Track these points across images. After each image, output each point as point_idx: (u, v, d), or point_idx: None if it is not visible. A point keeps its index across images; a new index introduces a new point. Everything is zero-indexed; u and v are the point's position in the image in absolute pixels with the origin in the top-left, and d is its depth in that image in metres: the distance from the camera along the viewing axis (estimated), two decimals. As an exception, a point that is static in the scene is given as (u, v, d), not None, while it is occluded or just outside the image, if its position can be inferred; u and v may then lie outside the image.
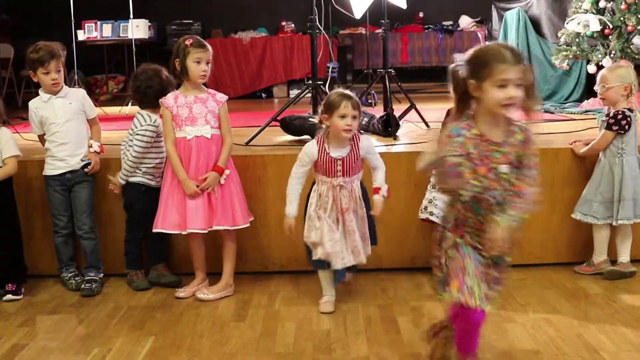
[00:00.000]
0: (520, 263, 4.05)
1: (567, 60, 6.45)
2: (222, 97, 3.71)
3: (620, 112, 3.75)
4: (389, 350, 3.02)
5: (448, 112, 3.84)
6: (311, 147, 3.41)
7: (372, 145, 3.54)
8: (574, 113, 6.10)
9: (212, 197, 3.62)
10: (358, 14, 6.53)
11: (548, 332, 3.15)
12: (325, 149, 3.38)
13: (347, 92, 3.38)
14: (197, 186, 3.58)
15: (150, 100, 3.85)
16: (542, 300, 3.57)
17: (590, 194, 3.85)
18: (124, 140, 3.92)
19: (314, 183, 3.49)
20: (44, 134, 3.90)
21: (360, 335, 3.20)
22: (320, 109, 3.42)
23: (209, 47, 3.65)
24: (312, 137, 4.52)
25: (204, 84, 3.72)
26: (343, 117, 3.29)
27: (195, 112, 3.62)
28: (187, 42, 3.61)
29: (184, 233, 3.64)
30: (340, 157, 3.37)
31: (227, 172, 3.65)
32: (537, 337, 3.11)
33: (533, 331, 3.17)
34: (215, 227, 3.63)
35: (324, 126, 3.40)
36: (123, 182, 3.83)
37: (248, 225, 3.74)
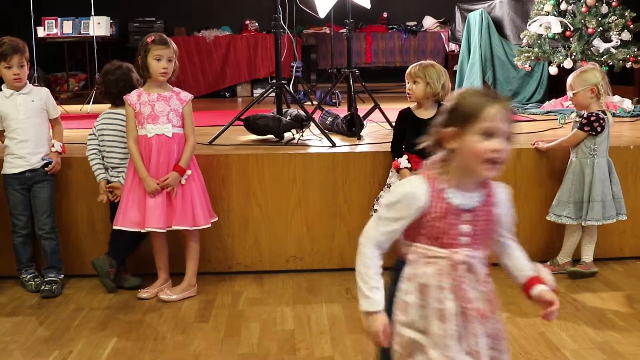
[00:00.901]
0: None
1: (529, 62, 6.52)
2: (187, 95, 3.67)
3: (593, 115, 3.78)
4: (353, 350, 3.02)
5: (400, 113, 3.85)
6: (416, 186, 1.88)
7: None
8: (536, 114, 6.17)
9: (172, 197, 3.59)
10: (322, 13, 6.53)
11: (511, 331, 3.17)
12: (442, 191, 1.89)
13: (491, 91, 2.05)
14: (158, 184, 3.55)
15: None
16: (504, 299, 3.59)
17: (564, 196, 3.88)
18: (96, 137, 3.83)
19: (399, 265, 2.03)
20: (3, 130, 3.83)
21: (325, 335, 3.19)
22: (440, 117, 1.91)
23: (172, 44, 3.60)
24: (277, 137, 4.56)
25: (170, 81, 3.68)
26: (489, 134, 1.82)
27: (158, 110, 3.58)
28: (149, 39, 3.58)
29: (142, 231, 3.60)
30: (469, 209, 1.92)
31: (188, 172, 3.62)
32: (500, 336, 3.13)
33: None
34: (174, 227, 3.60)
35: (439, 149, 1.92)
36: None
37: (209, 225, 3.71)
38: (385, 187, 3.85)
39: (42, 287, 3.78)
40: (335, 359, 2.94)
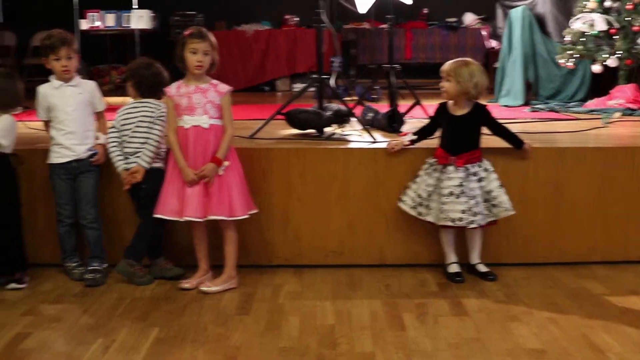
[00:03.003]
0: (525, 262, 4.07)
1: (572, 60, 6.44)
2: (224, 87, 3.70)
3: None
4: (394, 347, 3.01)
5: (439, 105, 3.86)
6: None
7: None
8: (579, 112, 6.08)
9: (209, 187, 3.62)
10: (362, 9, 6.51)
11: (553, 332, 3.14)
12: None
13: None
14: (195, 174, 3.58)
15: (155, 90, 3.88)
16: (546, 299, 3.57)
17: None
18: (117, 130, 3.87)
19: None
20: (49, 121, 3.88)
21: (365, 330, 3.19)
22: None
23: (209, 38, 3.63)
24: (318, 132, 4.57)
25: (210, 74, 3.71)
26: None
27: (194, 101, 3.62)
28: (186, 33, 3.63)
29: (181, 220, 3.64)
30: None
31: (225, 163, 3.64)
32: (541, 336, 3.10)
33: (537, 330, 3.16)
34: (210, 217, 3.63)
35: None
36: (148, 166, 3.78)
37: (247, 216, 3.72)
38: (413, 178, 3.87)
39: (86, 275, 3.83)
40: (376, 355, 2.94)
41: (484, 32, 9.24)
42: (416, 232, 4.03)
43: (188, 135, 3.63)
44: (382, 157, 4.02)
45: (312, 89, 5.02)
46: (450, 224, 3.71)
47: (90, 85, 3.98)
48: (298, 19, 9.69)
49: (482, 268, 3.88)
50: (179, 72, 3.74)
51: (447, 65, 3.77)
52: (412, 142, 3.96)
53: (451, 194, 3.69)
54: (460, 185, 3.69)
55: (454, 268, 3.87)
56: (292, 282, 3.85)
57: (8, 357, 2.94)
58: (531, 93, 7.04)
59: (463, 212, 3.67)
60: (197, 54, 3.59)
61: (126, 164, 3.82)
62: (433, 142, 3.94)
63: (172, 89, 3.68)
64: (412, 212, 3.85)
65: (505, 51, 7.33)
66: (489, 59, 8.99)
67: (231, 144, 3.70)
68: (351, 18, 9.10)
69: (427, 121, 4.05)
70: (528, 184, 4.03)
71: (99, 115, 3.98)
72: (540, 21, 7.26)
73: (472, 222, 3.69)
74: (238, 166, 3.74)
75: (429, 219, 3.80)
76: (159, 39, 8.91)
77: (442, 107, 3.87)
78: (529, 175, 4.03)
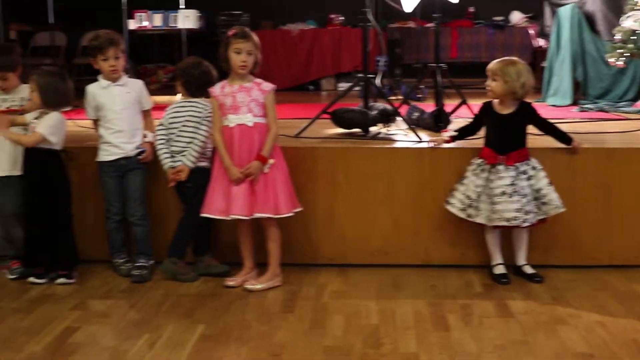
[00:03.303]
0: (572, 264, 4.01)
1: (622, 58, 6.31)
2: (268, 86, 3.72)
3: None
4: (439, 348, 2.99)
5: (484, 104, 3.83)
6: None
7: None
8: (628, 112, 5.97)
9: (255, 185, 3.64)
10: (408, 7, 6.48)
11: (601, 336, 3.09)
12: None
13: None
14: (241, 173, 3.61)
15: (204, 89, 3.91)
16: (594, 302, 3.51)
17: None
18: (165, 128, 3.91)
19: None
20: (98, 120, 3.95)
21: (409, 331, 3.18)
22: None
23: (253, 38, 3.65)
24: (364, 131, 4.56)
25: (253, 73, 3.73)
26: None
27: (238, 100, 3.65)
28: (230, 33, 3.66)
29: (227, 219, 3.67)
30: None
31: (270, 161, 3.67)
32: (590, 340, 3.05)
33: (586, 334, 3.11)
34: (256, 215, 3.65)
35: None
36: (192, 166, 3.82)
37: (291, 214, 3.73)
38: (461, 179, 3.84)
39: (133, 272, 3.89)
40: (420, 356, 2.92)
41: (531, 31, 9.11)
42: (462, 232, 3.99)
43: (233, 134, 3.66)
44: (428, 156, 4.00)
45: (357, 88, 5.01)
46: (505, 223, 3.68)
47: (138, 84, 4.03)
48: (343, 18, 9.68)
49: (529, 270, 3.84)
50: (223, 72, 3.78)
51: (494, 64, 3.74)
52: (453, 138, 3.94)
53: (503, 193, 3.66)
54: (512, 184, 3.66)
55: (500, 269, 3.84)
56: (337, 281, 3.86)
57: (57, 351, 3.00)
58: (580, 92, 6.92)
59: (517, 210, 3.64)
60: (241, 54, 3.62)
61: (172, 162, 3.86)
62: (477, 142, 3.90)
63: (216, 89, 3.72)
64: (461, 215, 3.82)
65: (553, 50, 7.22)
66: (537, 58, 8.86)
67: (276, 141, 3.72)
68: (397, 17, 9.06)
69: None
70: (576, 185, 3.97)
71: (146, 114, 4.03)
72: (589, 19, 7.14)
73: (525, 220, 3.65)
74: (283, 164, 3.76)
75: (479, 220, 3.77)
76: (205, 39, 8.98)
77: (487, 106, 3.84)
78: (577, 176, 3.97)
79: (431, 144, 4.01)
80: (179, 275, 3.83)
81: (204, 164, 3.88)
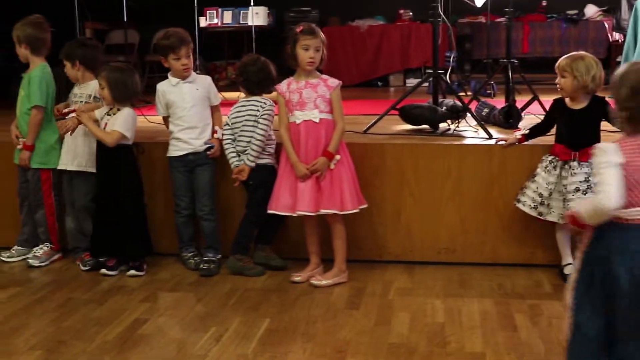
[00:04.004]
0: None
1: (702, 53, 6.10)
2: (334, 82, 3.71)
3: None
4: (505, 348, 2.95)
5: (555, 101, 3.76)
6: None
7: None
8: None
9: (321, 181, 3.65)
10: (479, 2, 6.40)
11: None
12: None
13: None
14: (307, 169, 3.62)
15: (263, 85, 3.96)
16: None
17: None
18: (230, 127, 3.96)
19: None
20: (168, 116, 4.02)
21: (476, 330, 3.14)
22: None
23: (320, 34, 3.66)
24: (433, 127, 4.52)
25: (320, 70, 3.74)
26: None
27: (305, 96, 3.66)
28: (298, 29, 3.66)
29: (294, 215, 3.69)
30: None
31: (337, 157, 3.67)
32: None
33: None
34: (322, 211, 3.65)
35: None
36: (253, 165, 3.86)
37: (357, 211, 3.72)
38: (531, 177, 3.77)
39: (201, 265, 3.95)
40: (486, 356, 2.89)
41: (606, 25, 8.88)
42: (531, 231, 3.92)
43: (300, 130, 3.68)
44: (498, 153, 3.94)
45: (426, 84, 4.98)
46: None
47: (206, 80, 4.09)
48: (412, 13, 9.61)
49: (600, 270, 3.73)
50: (285, 68, 3.79)
51: (562, 60, 3.66)
52: (525, 137, 3.87)
53: (577, 190, 3.58)
54: (586, 180, 3.58)
55: (570, 269, 3.73)
56: (403, 278, 3.84)
57: (127, 341, 3.07)
58: (656, 88, 6.70)
59: None
60: (309, 50, 3.62)
61: (238, 161, 3.90)
62: (547, 138, 3.83)
63: (283, 86, 3.74)
64: (533, 213, 3.74)
65: (629, 44, 7.00)
66: (612, 53, 8.63)
67: (342, 138, 3.71)
68: (467, 12, 8.95)
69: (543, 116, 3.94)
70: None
71: (215, 109, 4.08)
72: (668, 12, 6.91)
73: None
74: (349, 160, 3.76)
75: (551, 218, 3.70)
76: (274, 35, 9.04)
77: (558, 103, 3.77)
78: (653, 174, 3.85)
79: (501, 143, 3.94)
80: (245, 271, 3.87)
81: (265, 160, 3.91)
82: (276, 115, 3.87)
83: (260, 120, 3.87)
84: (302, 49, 3.63)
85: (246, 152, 3.88)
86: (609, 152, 2.21)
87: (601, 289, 2.26)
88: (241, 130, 3.92)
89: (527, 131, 3.89)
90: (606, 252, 2.24)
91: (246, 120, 3.91)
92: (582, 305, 2.32)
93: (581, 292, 2.33)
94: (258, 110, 3.90)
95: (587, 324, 2.29)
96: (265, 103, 3.92)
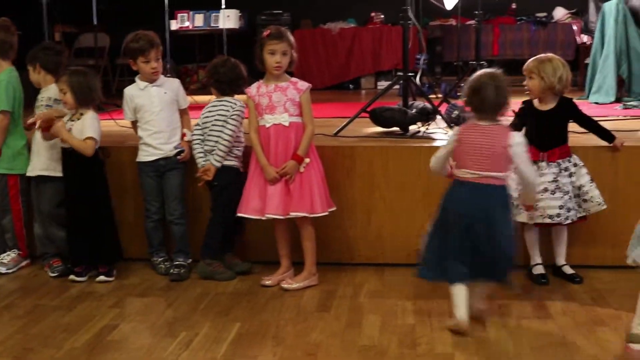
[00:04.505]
0: (613, 264, 3.93)
1: (668, 55, 6.19)
2: (304, 85, 3.71)
3: None
4: (475, 348, 2.97)
5: (523, 103, 3.82)
6: None
7: None
8: (674, 110, 5.84)
9: (290, 184, 3.65)
10: (449, 5, 6.44)
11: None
12: None
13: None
14: (277, 172, 3.62)
15: (234, 86, 3.95)
16: (635, 304, 3.42)
17: None
18: (200, 127, 3.95)
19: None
20: (137, 121, 3.99)
21: (446, 331, 3.15)
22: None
23: (287, 37, 3.65)
24: (403, 130, 4.53)
25: (290, 73, 3.74)
26: None
27: (274, 100, 3.66)
28: (265, 34, 3.66)
29: (263, 218, 3.68)
30: None
31: (306, 160, 3.67)
32: (631, 342, 2.99)
33: (626, 336, 3.05)
34: (292, 214, 3.66)
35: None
36: (219, 165, 3.85)
37: (327, 214, 3.73)
38: None
39: (171, 270, 3.93)
40: (455, 356, 2.90)
41: (574, 27, 8.98)
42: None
43: (269, 133, 3.67)
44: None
45: (397, 86, 5.00)
46: (547, 220, 3.63)
47: (174, 83, 4.07)
48: (383, 16, 9.65)
49: (568, 270, 3.78)
50: (257, 71, 3.79)
51: (529, 62, 3.71)
52: None
53: (546, 190, 3.62)
54: (555, 180, 3.62)
55: (538, 269, 3.79)
56: (373, 281, 3.85)
57: (95, 348, 3.04)
58: (623, 90, 6.79)
59: (560, 207, 3.59)
60: (275, 54, 3.62)
61: (204, 161, 3.89)
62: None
63: (252, 90, 3.73)
64: None
65: (597, 46, 7.10)
66: (580, 55, 8.73)
67: (312, 141, 3.72)
68: (437, 14, 9.01)
69: (512, 119, 3.97)
70: (618, 184, 3.90)
71: (183, 112, 4.07)
72: (635, 15, 6.99)
73: (567, 217, 3.61)
74: (318, 164, 3.76)
75: (520, 218, 3.72)
76: (246, 38, 9.03)
77: (527, 104, 3.81)
78: (619, 175, 3.90)
79: None
80: (215, 275, 3.86)
81: (231, 162, 3.90)
82: (246, 118, 3.87)
83: (229, 121, 3.86)
84: (268, 54, 3.62)
85: (213, 152, 3.87)
86: (452, 132, 3.31)
87: (444, 221, 3.18)
88: (210, 130, 3.91)
89: None
90: (446, 197, 3.21)
91: (215, 120, 3.90)
92: (434, 232, 3.24)
93: (435, 224, 3.24)
94: (228, 111, 3.89)
95: (434, 244, 3.23)
96: (235, 104, 3.91)
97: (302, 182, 3.66)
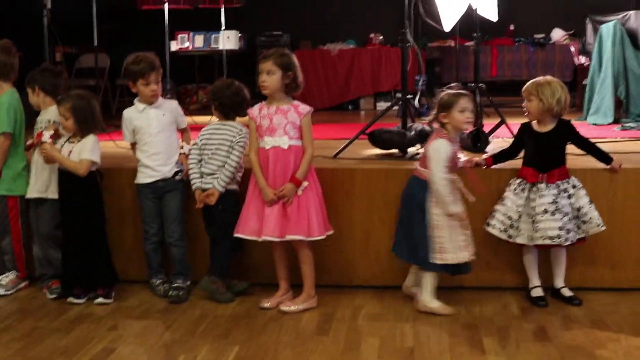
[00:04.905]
0: (612, 286, 3.94)
1: (666, 76, 6.22)
2: (305, 108, 3.72)
3: None
4: (474, 372, 2.96)
5: (522, 125, 3.84)
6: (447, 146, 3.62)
7: None
8: (672, 131, 5.87)
9: (288, 207, 3.65)
10: (447, 27, 6.45)
11: None
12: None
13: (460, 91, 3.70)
14: (275, 194, 3.63)
15: (237, 109, 3.95)
16: (635, 326, 3.44)
17: None
18: (198, 148, 3.92)
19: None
20: (135, 143, 4.00)
21: (445, 354, 3.14)
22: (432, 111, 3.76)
23: (275, 57, 3.66)
24: (402, 152, 4.55)
25: (294, 95, 3.75)
26: (462, 111, 3.62)
27: (275, 122, 3.67)
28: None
29: (259, 240, 3.68)
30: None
31: (305, 183, 3.67)
32: (630, 365, 2.99)
33: (625, 359, 3.05)
34: (288, 237, 3.65)
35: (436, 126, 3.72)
36: (222, 190, 3.83)
37: (324, 237, 3.72)
38: (500, 200, 3.81)
39: (170, 292, 3.92)
40: (455, 380, 2.90)
41: (572, 48, 9.03)
42: (500, 254, 3.95)
43: (268, 155, 3.68)
44: (465, 179, 3.96)
45: (396, 107, 5.01)
46: (548, 242, 3.63)
47: (172, 104, 4.09)
48: (382, 37, 9.70)
49: (567, 292, 3.78)
50: (258, 92, 3.82)
51: (528, 85, 3.74)
52: (493, 160, 3.93)
53: (545, 211, 3.62)
54: (554, 202, 3.62)
55: (537, 292, 3.78)
56: (372, 303, 3.84)
57: (94, 371, 3.03)
58: (621, 111, 6.81)
59: (560, 229, 3.60)
60: (261, 74, 3.65)
61: (201, 183, 3.88)
62: (514, 162, 3.88)
63: (255, 111, 3.75)
64: (502, 236, 3.78)
65: (594, 67, 7.14)
66: (578, 76, 8.78)
67: (311, 164, 3.73)
68: (436, 36, 9.05)
69: (512, 140, 3.99)
70: (617, 206, 3.91)
71: (183, 130, 4.10)
72: (632, 36, 7.04)
73: (567, 239, 3.61)
74: (317, 187, 3.76)
75: (520, 240, 3.73)
76: (245, 59, 9.08)
77: (526, 126, 3.83)
78: (617, 197, 3.91)
79: (464, 159, 3.97)
80: (216, 295, 3.85)
81: (232, 187, 3.90)
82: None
83: (236, 147, 3.86)
84: (258, 74, 3.67)
85: (216, 177, 3.85)
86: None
87: None
88: (213, 154, 3.88)
89: (494, 152, 3.93)
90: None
91: (220, 144, 3.88)
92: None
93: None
94: (234, 137, 3.87)
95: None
96: (241, 130, 3.89)
97: (300, 205, 3.66)
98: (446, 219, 3.58)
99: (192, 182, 3.90)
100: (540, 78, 3.76)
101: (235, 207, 3.82)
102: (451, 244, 3.58)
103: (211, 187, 3.85)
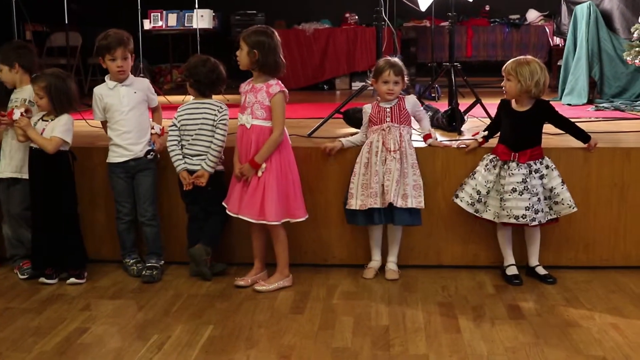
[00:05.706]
0: (586, 265, 3.96)
1: (639, 57, 6.24)
2: (275, 88, 3.62)
3: None
4: (448, 350, 2.96)
5: (501, 101, 3.81)
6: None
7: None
8: (646, 111, 5.90)
9: (246, 187, 3.65)
10: (423, 6, 6.44)
11: (615, 338, 3.04)
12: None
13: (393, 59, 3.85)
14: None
15: (214, 87, 3.91)
16: (608, 304, 3.46)
17: None
18: (177, 129, 3.86)
19: None
20: (107, 121, 3.94)
21: (420, 332, 3.15)
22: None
23: (243, 35, 3.64)
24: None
25: (277, 75, 3.71)
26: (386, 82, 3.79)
27: (247, 100, 3.66)
28: None
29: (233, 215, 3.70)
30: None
31: (263, 166, 3.61)
32: (603, 343, 3.00)
33: (599, 336, 3.07)
34: (240, 216, 3.66)
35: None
36: (212, 171, 3.79)
37: (278, 224, 3.66)
38: (471, 174, 3.82)
39: (143, 272, 3.88)
40: (429, 358, 2.89)
41: (547, 29, 9.06)
42: (474, 233, 3.96)
43: (238, 132, 3.69)
44: (441, 156, 3.97)
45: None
46: (513, 221, 3.64)
47: (144, 82, 4.02)
48: (357, 17, 9.66)
49: (541, 271, 3.80)
50: (233, 70, 3.78)
51: (508, 64, 3.72)
52: (485, 139, 3.91)
53: (514, 190, 3.63)
54: (523, 181, 3.62)
55: (512, 270, 3.80)
56: (347, 282, 3.83)
57: (66, 351, 2.99)
58: (595, 91, 6.85)
59: (526, 209, 3.60)
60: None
61: (186, 164, 3.83)
62: (491, 141, 3.87)
63: (243, 86, 3.74)
64: (469, 209, 3.78)
65: (569, 48, 7.17)
66: (553, 57, 8.82)
67: (275, 147, 3.63)
68: (412, 16, 9.04)
69: (487, 120, 3.99)
70: (591, 185, 3.92)
71: (154, 109, 4.04)
72: (606, 17, 7.07)
73: (534, 219, 3.62)
74: (289, 172, 3.69)
75: (487, 216, 3.74)
76: (220, 38, 9.00)
77: (504, 103, 3.83)
78: (592, 176, 3.92)
79: (462, 146, 3.95)
80: (202, 267, 3.79)
81: (220, 167, 3.87)
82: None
83: (219, 126, 3.80)
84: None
85: (202, 158, 3.79)
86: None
87: None
88: (196, 134, 3.82)
89: (485, 132, 3.91)
90: None
91: (202, 124, 3.82)
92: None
93: None
94: (215, 115, 3.82)
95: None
96: (221, 107, 3.83)
97: (257, 187, 3.61)
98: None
99: (175, 163, 3.83)
100: (520, 57, 3.74)
101: (222, 185, 3.80)
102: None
103: (200, 169, 3.79)
